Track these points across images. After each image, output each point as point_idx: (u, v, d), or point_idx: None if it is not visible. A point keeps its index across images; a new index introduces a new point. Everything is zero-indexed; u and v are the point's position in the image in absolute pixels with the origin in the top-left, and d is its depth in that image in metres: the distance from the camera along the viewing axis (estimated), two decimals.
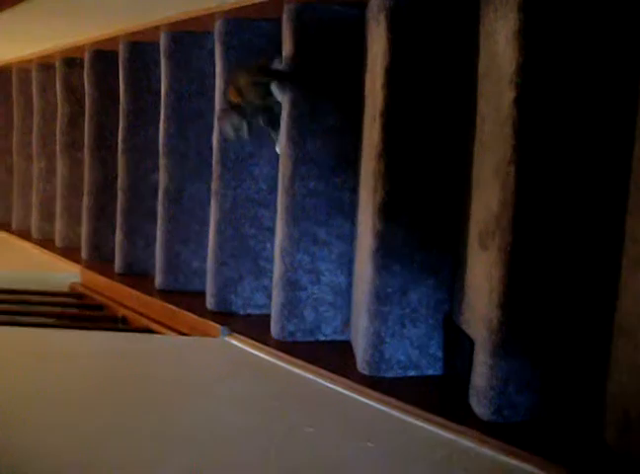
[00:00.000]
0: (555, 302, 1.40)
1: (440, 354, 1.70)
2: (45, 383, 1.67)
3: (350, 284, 1.96)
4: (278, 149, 2.10)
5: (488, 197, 1.46)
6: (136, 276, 2.70)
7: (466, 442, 1.40)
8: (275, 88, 2.04)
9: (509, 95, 1.38)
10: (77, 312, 2.63)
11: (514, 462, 1.32)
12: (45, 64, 3.49)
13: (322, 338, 1.97)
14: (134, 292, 2.50)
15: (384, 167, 1.66)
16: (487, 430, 1.40)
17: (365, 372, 1.71)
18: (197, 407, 1.57)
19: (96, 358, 1.86)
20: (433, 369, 1.71)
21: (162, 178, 2.50)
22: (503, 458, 1.34)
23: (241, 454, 1.36)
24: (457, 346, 1.63)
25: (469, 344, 1.54)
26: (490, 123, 1.49)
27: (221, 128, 2.14)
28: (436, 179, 1.67)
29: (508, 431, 1.40)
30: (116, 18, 2.53)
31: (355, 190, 1.93)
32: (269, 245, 2.18)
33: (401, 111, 1.66)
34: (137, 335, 2.19)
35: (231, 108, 2.06)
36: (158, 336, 2.20)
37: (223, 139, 2.22)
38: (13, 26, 2.70)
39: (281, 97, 2.00)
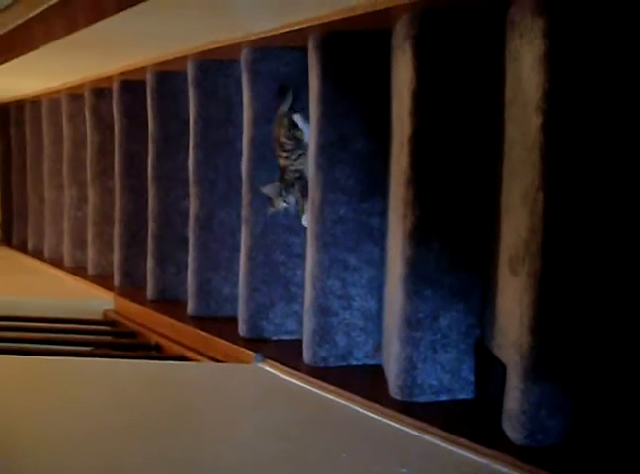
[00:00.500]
0: (587, 326, 1.40)
1: (472, 378, 1.71)
2: (81, 412, 1.69)
3: (380, 309, 1.97)
4: (304, 221, 2.14)
5: (517, 223, 1.47)
6: (168, 302, 2.73)
7: (499, 467, 1.40)
8: (298, 118, 2.08)
9: (536, 121, 1.39)
10: (111, 340, 2.66)
11: None
12: (75, 94, 3.54)
13: (354, 362, 1.98)
14: (167, 319, 2.53)
15: (413, 193, 1.68)
16: (520, 454, 1.40)
17: (398, 397, 1.72)
18: (231, 435, 1.59)
19: (131, 387, 1.89)
20: (465, 393, 1.71)
21: (192, 205, 2.53)
22: None
23: None
24: (489, 369, 1.63)
25: (501, 368, 1.54)
26: (518, 149, 1.50)
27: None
28: (465, 204, 1.68)
29: (540, 455, 1.40)
30: (143, 49, 2.57)
31: (383, 215, 1.94)
32: (299, 271, 2.20)
33: (429, 137, 1.68)
34: (171, 363, 2.21)
35: (280, 172, 2.17)
36: (192, 364, 2.22)
37: (252, 167, 2.25)
38: (44, 61, 2.75)
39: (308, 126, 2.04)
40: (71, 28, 2.09)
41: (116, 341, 2.65)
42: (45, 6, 1.99)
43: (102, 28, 2.01)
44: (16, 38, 2.46)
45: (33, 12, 2.07)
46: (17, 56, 2.60)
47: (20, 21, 2.19)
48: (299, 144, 2.13)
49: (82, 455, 1.46)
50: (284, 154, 2.16)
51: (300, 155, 2.12)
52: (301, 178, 2.13)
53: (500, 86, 1.60)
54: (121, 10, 1.82)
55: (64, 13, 2.08)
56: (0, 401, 1.75)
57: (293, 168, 2.15)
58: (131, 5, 1.78)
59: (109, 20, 1.92)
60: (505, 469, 1.39)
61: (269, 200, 2.20)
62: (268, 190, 2.19)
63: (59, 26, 2.17)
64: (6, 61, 2.73)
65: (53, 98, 3.78)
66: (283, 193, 2.16)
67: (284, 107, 2.15)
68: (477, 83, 1.67)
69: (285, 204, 2.17)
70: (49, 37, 2.23)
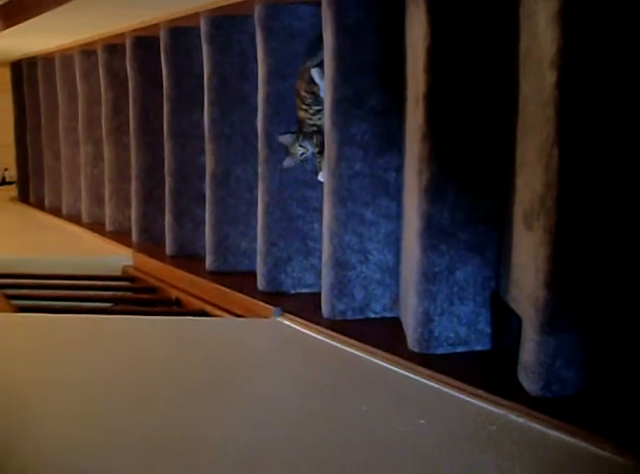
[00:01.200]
0: (601, 279, 1.43)
1: (488, 329, 1.74)
2: (102, 369, 1.73)
3: (397, 262, 2.00)
4: (320, 177, 2.17)
5: (532, 178, 1.49)
6: (187, 257, 2.77)
7: (516, 418, 1.43)
8: (315, 73, 2.09)
9: (550, 77, 1.40)
10: (132, 296, 2.70)
11: (562, 436, 1.35)
12: (87, 51, 3.54)
13: (372, 315, 2.01)
14: (187, 275, 2.57)
15: (429, 149, 1.69)
16: (536, 405, 1.44)
17: (416, 349, 1.75)
18: (253, 389, 1.62)
19: (153, 344, 1.93)
20: (481, 345, 1.74)
21: (209, 162, 2.55)
22: (551, 432, 1.37)
23: (299, 434, 1.41)
24: (505, 321, 1.66)
25: (516, 320, 1.57)
26: (532, 104, 1.51)
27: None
28: (480, 159, 1.69)
29: (556, 405, 1.43)
30: (155, 6, 2.57)
31: (399, 170, 1.96)
32: (316, 225, 2.22)
33: (444, 93, 1.68)
34: (192, 319, 2.25)
35: (298, 124, 2.19)
36: (212, 319, 2.26)
37: (268, 123, 2.26)
38: (56, 22, 2.76)
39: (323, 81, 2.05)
40: None
41: (136, 296, 2.69)
42: None
43: None
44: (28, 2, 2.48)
45: None
46: (28, 18, 2.62)
47: None
48: (317, 99, 2.14)
49: (103, 412, 1.49)
50: (303, 106, 2.18)
51: (318, 111, 2.13)
52: (318, 132, 2.15)
53: (515, 41, 1.60)
54: None
55: None
56: (20, 360, 1.79)
57: (311, 122, 2.17)
58: None
59: None
60: (521, 419, 1.42)
61: (285, 150, 2.22)
62: (284, 138, 2.21)
63: None
64: (17, 23, 2.75)
65: (66, 55, 3.79)
66: (300, 139, 2.18)
67: (310, 62, 2.16)
68: (492, 38, 1.67)
69: (302, 149, 2.19)
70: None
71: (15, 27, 2.82)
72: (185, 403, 1.54)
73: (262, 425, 1.44)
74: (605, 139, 1.39)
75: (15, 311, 2.25)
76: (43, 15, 2.51)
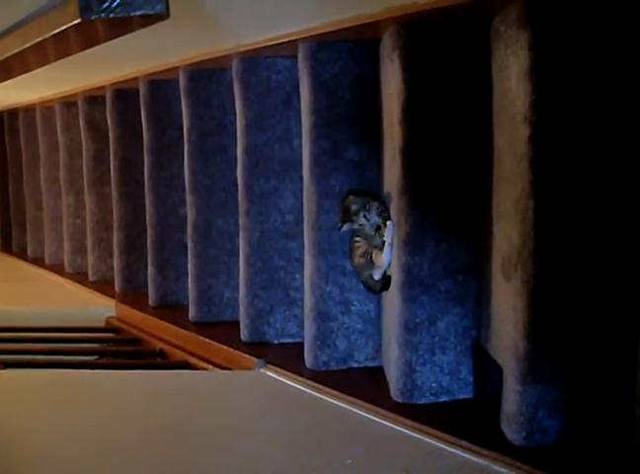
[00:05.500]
0: (580, 329, 1.45)
1: (470, 378, 1.75)
2: (88, 425, 1.73)
3: (379, 311, 2.01)
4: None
5: (509, 229, 1.51)
6: (170, 307, 2.77)
7: (499, 468, 1.44)
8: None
9: (523, 131, 1.43)
10: (116, 348, 2.69)
11: None
12: (68, 103, 3.56)
13: (355, 365, 2.02)
14: (170, 326, 2.57)
15: (406, 202, 1.72)
16: (519, 455, 1.45)
17: (399, 400, 1.77)
18: (238, 443, 1.62)
19: (137, 398, 1.93)
20: (464, 393, 1.76)
21: (190, 213, 2.56)
22: None
23: None
24: (487, 370, 1.68)
25: (497, 368, 1.59)
26: (507, 157, 1.54)
27: None
28: (458, 211, 1.72)
29: (539, 455, 1.44)
30: (135, 62, 2.60)
31: None
32: (298, 275, 2.24)
33: (420, 147, 1.71)
34: (176, 372, 2.25)
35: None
36: (196, 372, 2.26)
37: (247, 174, 2.28)
38: (39, 79, 2.78)
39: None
40: (64, 53, 2.15)
41: (120, 349, 2.68)
42: (41, 38, 2.06)
43: (96, 51, 2.07)
44: (12, 63, 2.52)
45: (29, 43, 2.15)
46: (12, 78, 2.66)
47: (16, 50, 2.27)
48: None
49: (90, 467, 1.50)
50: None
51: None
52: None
53: (488, 94, 1.63)
54: (114, 38, 1.88)
55: (57, 44, 2.14)
56: (5, 417, 1.79)
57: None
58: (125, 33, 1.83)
59: (103, 45, 1.98)
60: (504, 470, 1.43)
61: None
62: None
63: (53, 52, 2.24)
64: (1, 82, 2.79)
65: (47, 106, 3.81)
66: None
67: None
68: (466, 92, 1.71)
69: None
70: (44, 61, 2.29)
71: None
72: (171, 456, 1.54)
73: None
74: (580, 191, 1.42)
75: None
76: (27, 74, 2.54)
